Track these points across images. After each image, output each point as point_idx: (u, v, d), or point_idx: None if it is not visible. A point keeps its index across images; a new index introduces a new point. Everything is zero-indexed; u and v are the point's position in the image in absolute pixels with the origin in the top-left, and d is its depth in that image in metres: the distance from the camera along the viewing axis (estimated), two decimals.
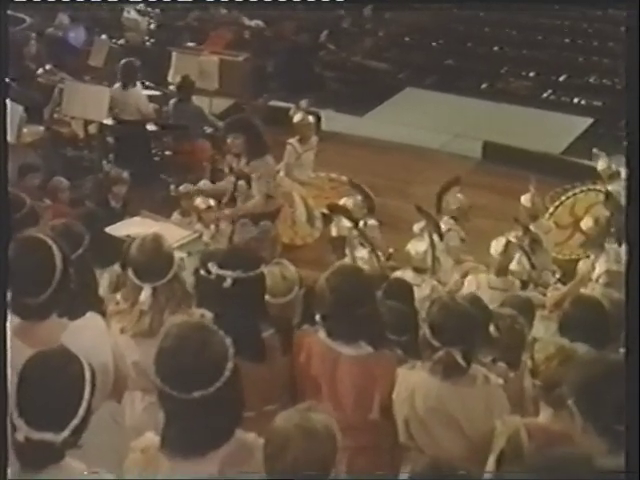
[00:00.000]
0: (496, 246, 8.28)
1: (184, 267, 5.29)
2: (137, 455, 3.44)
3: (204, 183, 10.31)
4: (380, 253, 9.10)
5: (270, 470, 3.06)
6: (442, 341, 4.25)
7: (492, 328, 5.28)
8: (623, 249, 7.57)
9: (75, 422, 3.22)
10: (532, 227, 9.12)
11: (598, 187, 10.11)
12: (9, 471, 3.27)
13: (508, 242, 8.28)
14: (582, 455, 3.07)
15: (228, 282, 4.44)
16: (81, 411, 3.24)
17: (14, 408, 3.19)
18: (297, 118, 11.43)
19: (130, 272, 4.64)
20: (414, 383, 4.36)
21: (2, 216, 4.26)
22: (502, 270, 8.20)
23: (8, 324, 3.99)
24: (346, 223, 9.12)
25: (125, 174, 10.44)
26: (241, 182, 8.62)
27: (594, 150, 10.33)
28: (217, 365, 3.32)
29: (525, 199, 9.40)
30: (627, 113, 4.33)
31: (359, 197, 9.94)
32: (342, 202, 9.94)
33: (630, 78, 4.43)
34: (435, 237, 8.83)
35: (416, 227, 9.17)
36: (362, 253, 8.92)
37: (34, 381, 3.22)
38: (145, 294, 4.53)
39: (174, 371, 3.31)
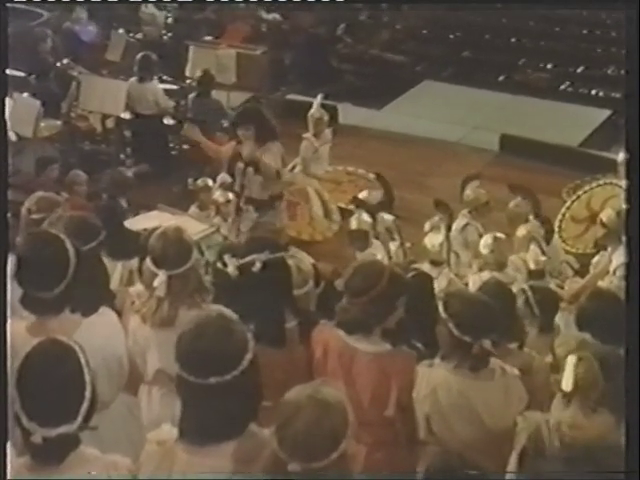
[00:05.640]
0: (484, 242, 8.28)
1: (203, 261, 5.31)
2: (153, 447, 3.45)
3: (222, 177, 10.31)
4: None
5: (280, 439, 3.06)
6: (472, 336, 4.24)
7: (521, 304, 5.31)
8: None
9: (85, 406, 3.23)
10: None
11: (615, 181, 10.07)
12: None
13: (495, 238, 8.27)
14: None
15: (257, 266, 4.45)
16: (87, 394, 3.25)
17: (21, 413, 3.18)
18: (310, 113, 11.41)
19: (148, 260, 4.66)
20: (435, 379, 4.35)
21: (2, 217, 4.27)
22: (499, 265, 8.18)
23: (22, 322, 4.03)
24: (367, 217, 9.10)
25: (129, 173, 10.46)
26: (250, 169, 8.58)
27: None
28: (236, 354, 3.33)
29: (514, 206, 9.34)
30: (627, 115, 4.31)
31: (380, 191, 9.92)
32: (362, 196, 9.91)
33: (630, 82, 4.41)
34: (452, 230, 8.83)
35: (427, 225, 9.13)
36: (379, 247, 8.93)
37: (34, 382, 3.21)
38: (159, 280, 4.54)
39: (193, 356, 3.33)
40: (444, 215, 9.00)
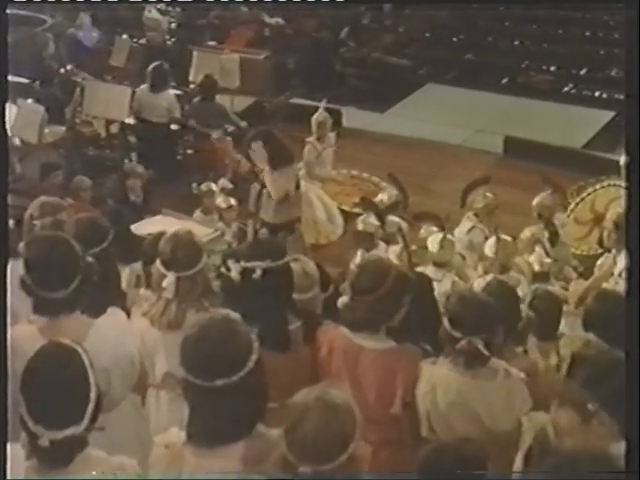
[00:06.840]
0: (490, 245, 8.27)
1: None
2: (161, 450, 3.46)
3: (223, 181, 10.33)
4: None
5: (289, 442, 3.07)
6: (462, 332, 4.25)
7: (526, 311, 5.30)
8: None
9: (91, 407, 3.24)
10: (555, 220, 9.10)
11: (618, 182, 10.06)
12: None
13: (498, 240, 8.27)
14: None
15: (258, 273, 4.45)
16: (93, 395, 3.25)
17: (27, 417, 3.18)
18: (314, 116, 11.42)
19: (158, 262, 4.67)
20: (436, 377, 4.35)
21: (2, 219, 4.29)
22: (503, 268, 8.17)
23: (34, 324, 4.04)
24: (374, 220, 9.09)
25: (140, 168, 10.48)
26: (266, 190, 8.55)
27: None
28: (241, 355, 3.33)
29: (542, 198, 9.36)
30: (627, 116, 4.31)
31: (395, 191, 9.91)
32: (379, 199, 9.90)
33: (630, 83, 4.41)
34: (455, 233, 8.83)
35: (423, 231, 9.10)
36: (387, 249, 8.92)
37: (39, 385, 3.22)
38: (168, 280, 4.55)
39: (198, 359, 3.32)
40: (436, 226, 8.96)
